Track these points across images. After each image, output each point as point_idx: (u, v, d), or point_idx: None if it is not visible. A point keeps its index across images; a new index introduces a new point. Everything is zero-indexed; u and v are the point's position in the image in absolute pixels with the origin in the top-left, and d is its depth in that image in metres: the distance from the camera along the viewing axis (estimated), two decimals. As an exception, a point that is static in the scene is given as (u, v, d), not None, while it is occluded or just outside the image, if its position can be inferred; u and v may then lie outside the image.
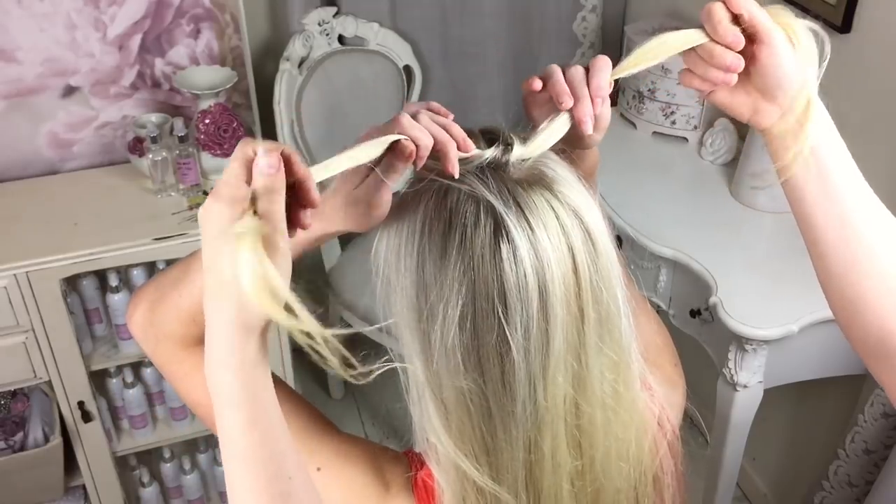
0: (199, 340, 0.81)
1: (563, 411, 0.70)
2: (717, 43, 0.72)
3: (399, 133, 0.68)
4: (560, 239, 0.67)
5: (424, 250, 0.69)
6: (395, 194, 0.74)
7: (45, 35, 1.92)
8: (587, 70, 0.73)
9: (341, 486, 0.75)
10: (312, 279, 2.35)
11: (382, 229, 0.74)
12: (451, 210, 0.68)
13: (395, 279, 0.72)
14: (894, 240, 0.75)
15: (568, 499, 0.73)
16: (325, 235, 0.77)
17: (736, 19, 0.72)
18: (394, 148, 0.68)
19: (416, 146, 0.67)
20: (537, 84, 0.74)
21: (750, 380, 1.65)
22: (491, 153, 0.71)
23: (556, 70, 0.73)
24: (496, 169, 0.70)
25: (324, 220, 0.76)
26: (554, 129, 0.73)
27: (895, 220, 0.76)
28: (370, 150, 0.66)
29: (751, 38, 0.73)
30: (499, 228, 0.67)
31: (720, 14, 0.71)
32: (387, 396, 2.56)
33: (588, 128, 0.72)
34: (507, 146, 0.71)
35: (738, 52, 0.72)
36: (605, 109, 0.73)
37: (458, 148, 0.68)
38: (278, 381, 0.83)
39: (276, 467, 0.60)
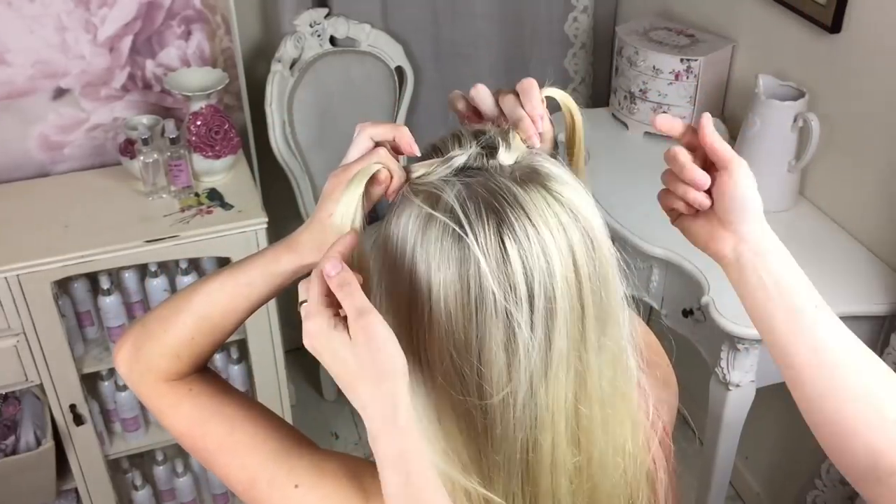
0: (182, 375, 0.84)
1: (564, 409, 0.70)
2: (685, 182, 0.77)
3: (377, 162, 0.73)
4: (561, 235, 0.68)
5: (423, 252, 0.69)
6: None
7: (35, 37, 1.92)
8: (517, 94, 0.76)
9: (320, 502, 0.76)
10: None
11: (379, 234, 0.74)
12: (450, 211, 0.68)
13: (392, 280, 0.72)
14: (868, 361, 0.75)
15: (565, 496, 0.73)
16: (302, 268, 0.78)
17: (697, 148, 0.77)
18: (372, 176, 0.73)
19: (392, 177, 0.73)
20: (461, 105, 0.80)
21: (742, 379, 1.65)
22: (471, 154, 0.71)
23: (482, 90, 0.78)
24: (490, 169, 0.70)
25: (298, 253, 0.77)
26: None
27: (859, 341, 0.76)
28: (361, 183, 0.72)
29: (714, 165, 0.77)
30: (502, 227, 0.67)
31: (683, 158, 0.77)
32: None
33: (535, 143, 0.75)
34: (493, 148, 0.71)
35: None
36: (546, 125, 0.77)
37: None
38: (254, 402, 0.85)
39: None
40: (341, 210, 0.71)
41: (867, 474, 0.73)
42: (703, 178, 0.76)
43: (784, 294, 0.75)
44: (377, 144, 0.76)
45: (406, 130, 0.76)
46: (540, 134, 0.75)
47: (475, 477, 0.72)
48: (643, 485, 0.79)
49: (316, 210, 0.75)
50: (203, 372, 0.86)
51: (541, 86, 0.77)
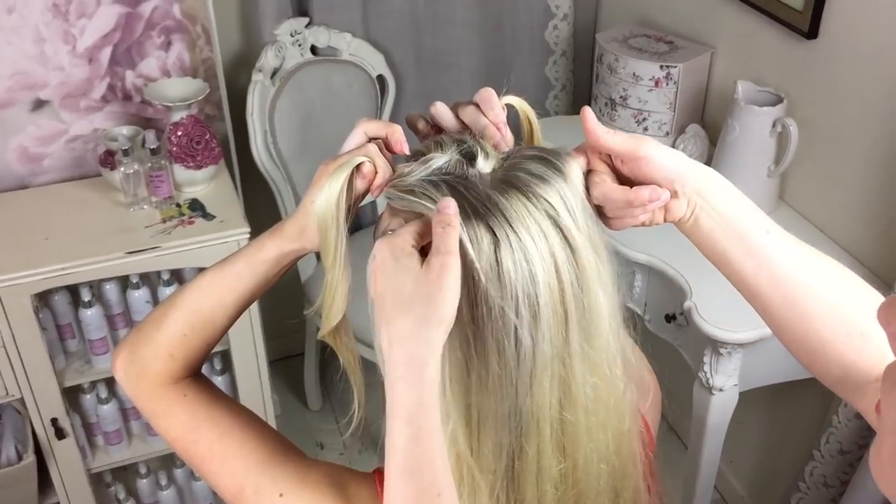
0: (176, 377, 0.85)
1: (549, 416, 0.71)
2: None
3: (365, 155, 0.74)
4: (542, 241, 0.68)
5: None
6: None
7: (13, 48, 1.90)
8: (476, 105, 0.77)
9: None
10: (287, 291, 2.34)
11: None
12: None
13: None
14: (829, 275, 0.76)
15: (551, 503, 0.73)
16: (284, 254, 0.79)
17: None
18: (356, 168, 0.74)
19: (376, 172, 0.74)
20: (421, 124, 0.80)
21: (725, 383, 1.66)
22: (452, 160, 0.71)
23: (440, 107, 0.78)
24: (470, 177, 0.71)
25: (282, 238, 0.79)
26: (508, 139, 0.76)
27: (822, 256, 0.78)
28: (342, 173, 0.73)
29: (626, 159, 0.75)
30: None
31: (622, 196, 0.74)
32: (366, 408, 2.54)
33: (503, 148, 0.76)
34: (472, 157, 0.72)
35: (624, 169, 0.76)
36: (507, 132, 0.77)
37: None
38: (245, 410, 0.85)
39: (429, 481, 0.65)
40: (322, 196, 0.73)
41: (842, 382, 0.76)
42: (654, 194, 0.73)
43: (733, 225, 0.76)
44: (372, 140, 0.77)
45: (398, 128, 0.77)
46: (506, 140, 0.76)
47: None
48: (627, 490, 0.79)
49: (303, 198, 0.77)
50: (198, 378, 0.87)
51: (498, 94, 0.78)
